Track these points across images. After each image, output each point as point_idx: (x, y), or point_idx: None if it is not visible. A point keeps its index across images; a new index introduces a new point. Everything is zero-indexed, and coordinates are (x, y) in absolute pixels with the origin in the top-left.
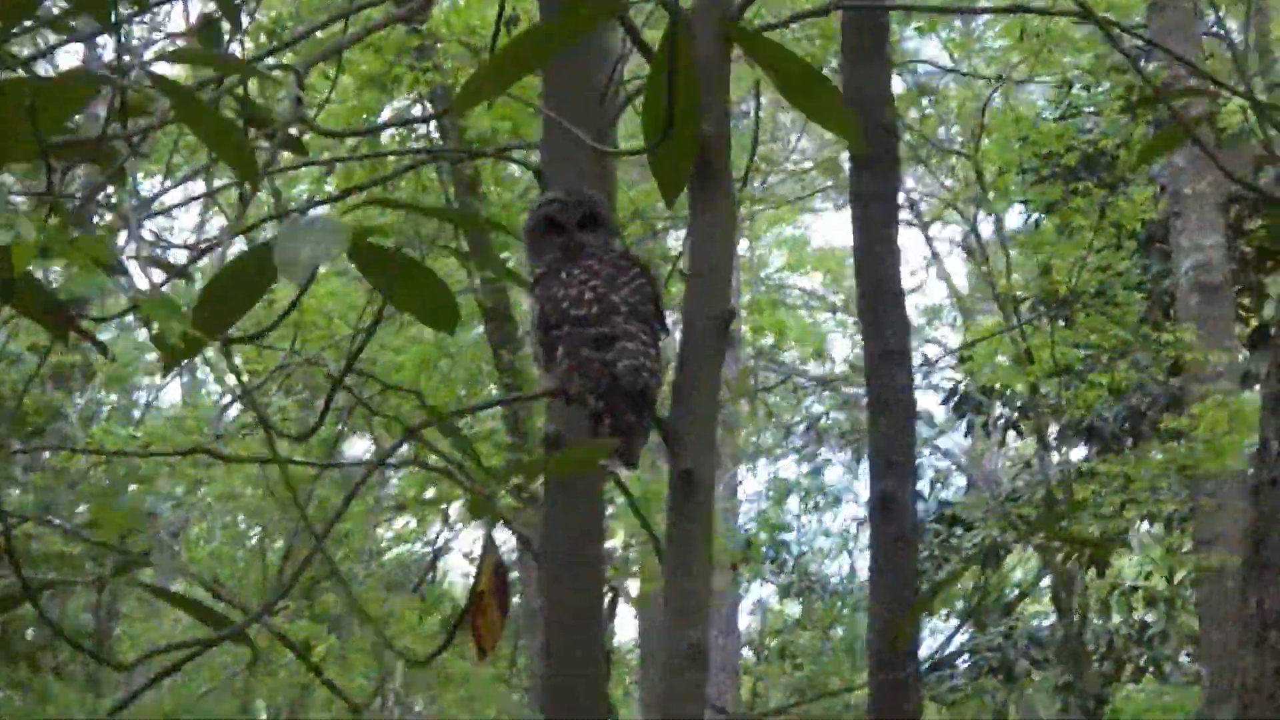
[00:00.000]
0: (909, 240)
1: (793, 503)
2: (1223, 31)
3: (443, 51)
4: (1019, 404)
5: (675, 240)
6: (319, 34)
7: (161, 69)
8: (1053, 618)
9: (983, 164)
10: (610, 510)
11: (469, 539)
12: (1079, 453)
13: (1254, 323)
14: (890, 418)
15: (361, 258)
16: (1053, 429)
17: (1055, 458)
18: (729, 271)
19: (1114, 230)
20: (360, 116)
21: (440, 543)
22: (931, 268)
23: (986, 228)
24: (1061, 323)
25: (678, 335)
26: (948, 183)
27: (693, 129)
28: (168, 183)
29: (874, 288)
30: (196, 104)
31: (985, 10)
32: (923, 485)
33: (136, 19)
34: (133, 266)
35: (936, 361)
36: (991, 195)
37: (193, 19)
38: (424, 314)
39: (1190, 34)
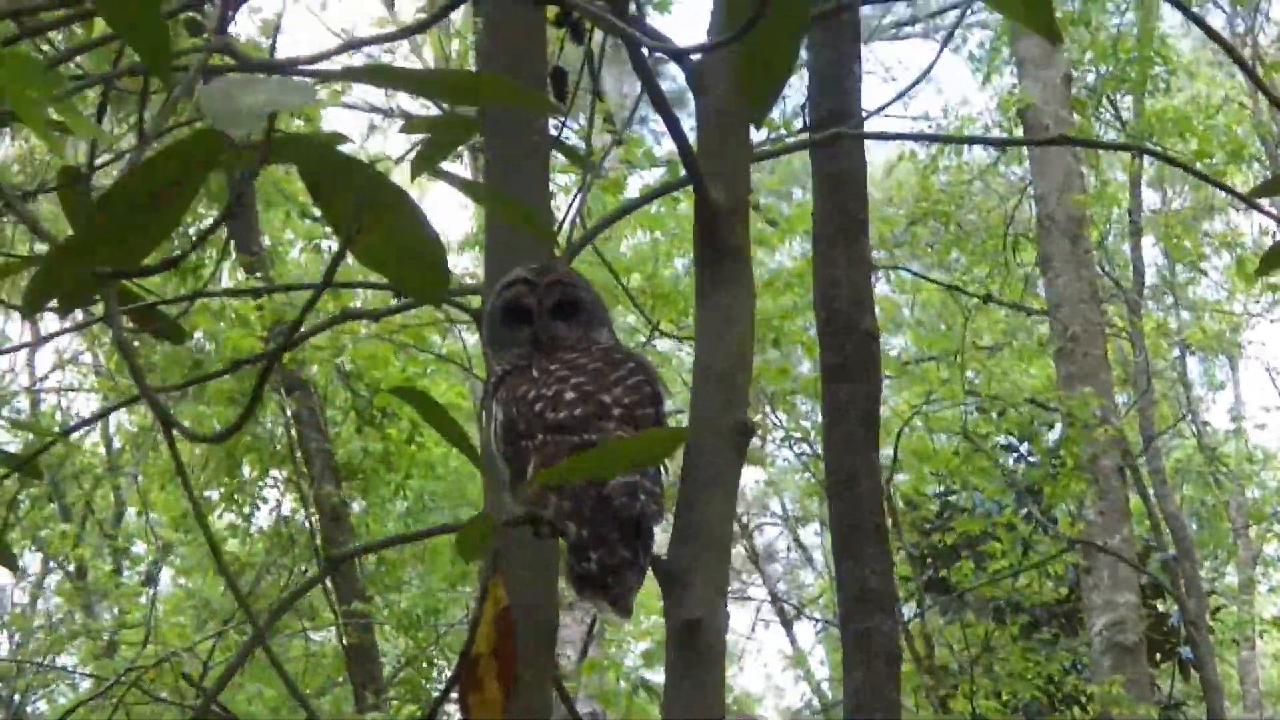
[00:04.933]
0: (772, 637)
1: None
2: None
3: None
4: None
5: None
6: None
7: None
8: None
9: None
10: None
11: None
12: None
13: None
14: (872, 668)
15: (316, 169)
16: None
17: None
18: (747, 373)
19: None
20: None
21: None
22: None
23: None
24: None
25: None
26: None
27: (802, 5)
28: None
29: (853, 517)
30: None
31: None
32: None
33: None
34: None
35: None
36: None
37: None
38: (402, 271)
39: None
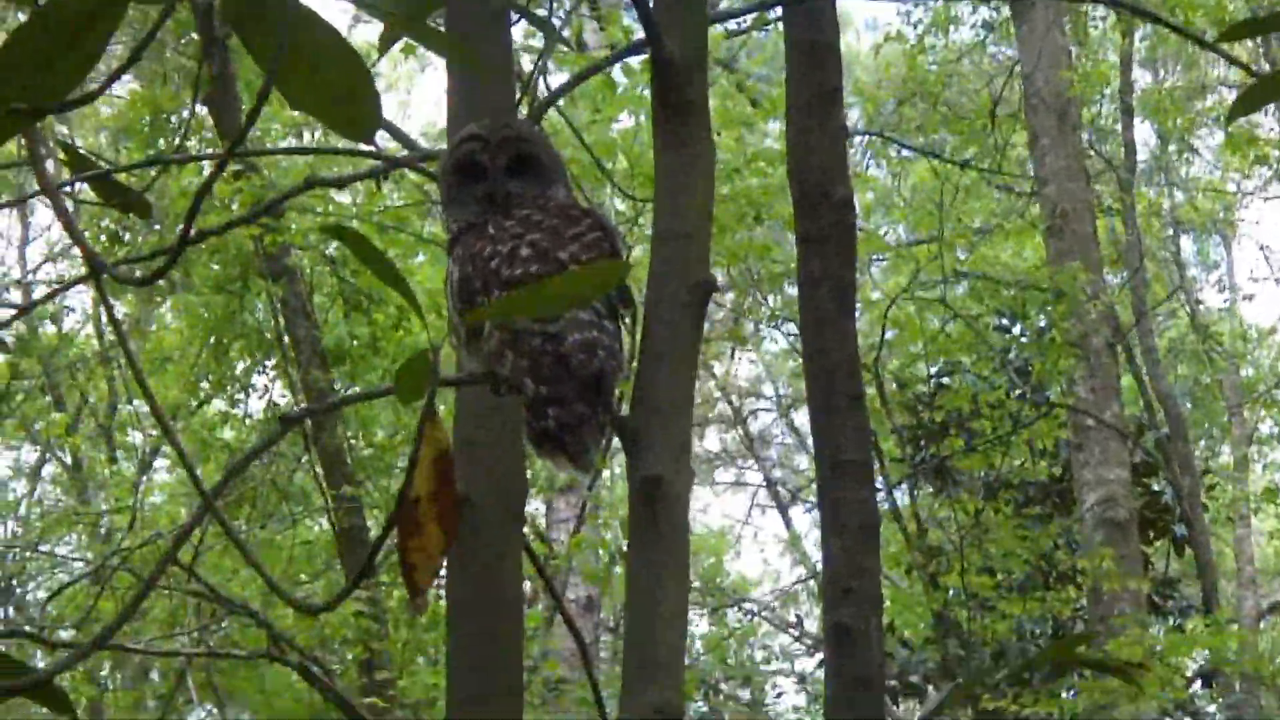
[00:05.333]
0: (769, 521)
1: None
2: None
3: None
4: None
5: None
6: None
7: None
8: None
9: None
10: None
11: None
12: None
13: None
14: (846, 538)
15: (239, 5)
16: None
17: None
18: (708, 231)
19: (1027, 447)
20: None
21: None
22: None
23: None
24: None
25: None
26: None
27: None
28: None
29: (826, 388)
30: None
31: None
32: None
33: None
34: None
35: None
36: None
37: None
38: (331, 110)
39: None
